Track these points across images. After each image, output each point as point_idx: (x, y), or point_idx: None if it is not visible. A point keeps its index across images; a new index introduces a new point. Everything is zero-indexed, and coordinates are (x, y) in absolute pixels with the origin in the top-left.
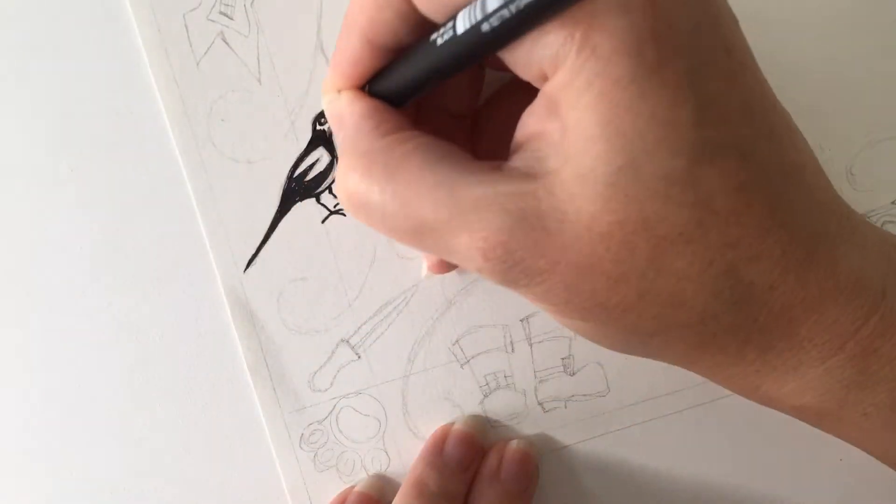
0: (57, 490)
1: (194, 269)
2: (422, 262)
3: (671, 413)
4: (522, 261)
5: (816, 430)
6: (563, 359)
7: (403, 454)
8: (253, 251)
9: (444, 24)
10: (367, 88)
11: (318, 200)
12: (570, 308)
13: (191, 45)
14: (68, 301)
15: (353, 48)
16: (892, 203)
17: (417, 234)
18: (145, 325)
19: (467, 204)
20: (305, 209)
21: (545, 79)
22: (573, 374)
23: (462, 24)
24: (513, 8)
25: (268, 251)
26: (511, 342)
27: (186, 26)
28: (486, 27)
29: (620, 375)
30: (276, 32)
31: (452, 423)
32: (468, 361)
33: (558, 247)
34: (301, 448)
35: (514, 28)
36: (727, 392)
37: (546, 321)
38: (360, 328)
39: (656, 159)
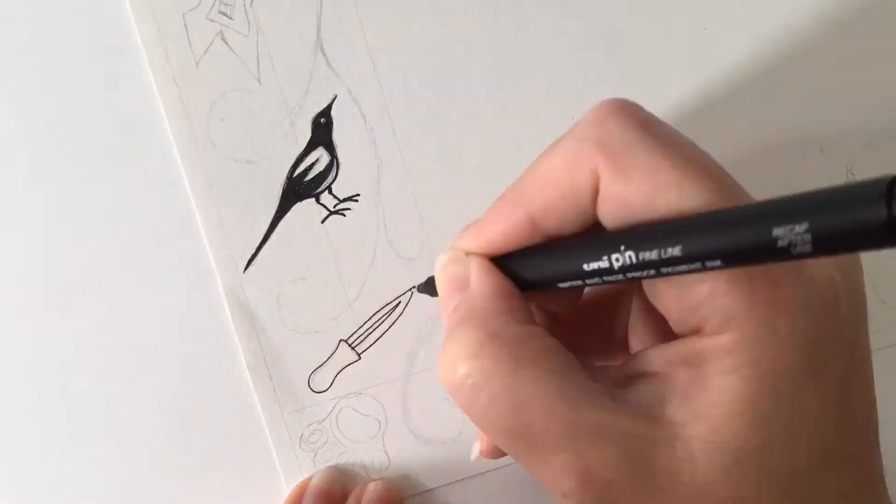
0: (56, 490)
1: (194, 270)
2: (475, 443)
3: None
4: (617, 503)
5: None
6: None
7: (403, 454)
8: (252, 251)
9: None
10: (498, 261)
11: (317, 200)
12: None
13: (190, 45)
14: (68, 301)
15: (514, 220)
16: None
17: (515, 437)
18: (145, 325)
19: (583, 426)
20: (305, 209)
21: (699, 331)
22: None
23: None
24: (705, 259)
25: (267, 251)
26: None
27: (186, 26)
28: (665, 268)
29: None
30: (276, 32)
31: (310, 479)
32: None
33: (661, 503)
34: (301, 448)
35: (693, 269)
36: None
37: None
38: (360, 328)
39: (790, 453)
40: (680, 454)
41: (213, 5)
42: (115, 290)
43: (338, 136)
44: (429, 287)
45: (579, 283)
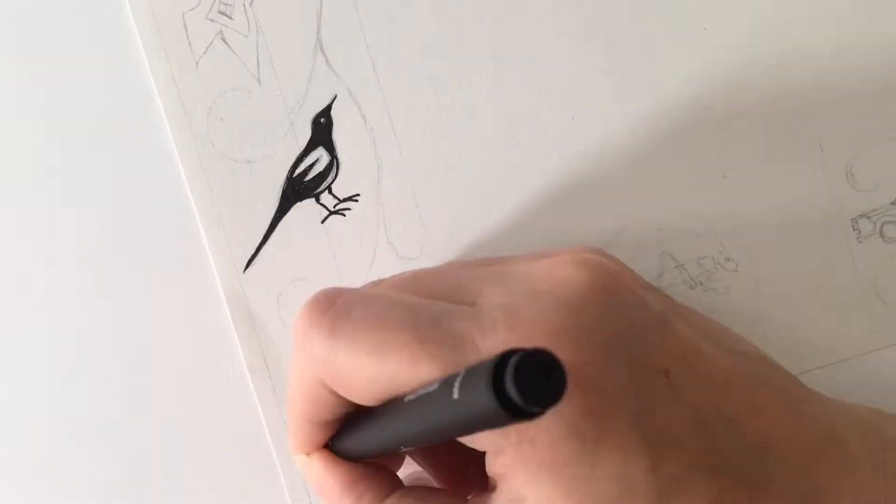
0: (56, 490)
1: (193, 270)
2: None
3: None
4: None
5: None
6: None
7: None
8: (252, 251)
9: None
10: (330, 447)
11: (317, 200)
12: None
13: (190, 45)
14: (67, 301)
15: (300, 427)
16: (892, 203)
17: None
18: (144, 325)
19: None
20: (305, 209)
21: (493, 458)
22: None
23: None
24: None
25: (267, 251)
26: None
27: (185, 26)
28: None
29: None
30: (276, 32)
31: None
32: None
33: None
34: None
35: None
36: None
37: None
38: None
39: None
40: None
41: (213, 5)
42: (114, 290)
43: (338, 136)
44: None
45: (398, 446)
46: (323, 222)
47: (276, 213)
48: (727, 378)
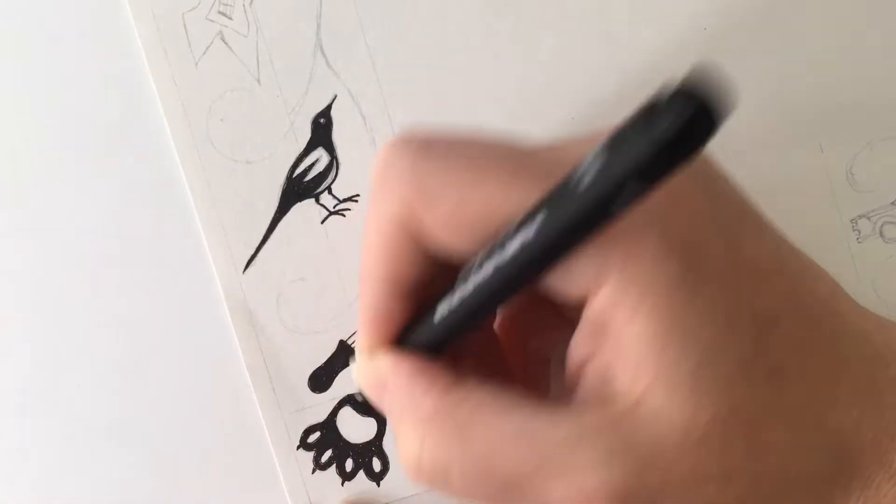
0: (55, 490)
1: (193, 270)
2: None
3: None
4: (628, 494)
5: None
6: None
7: None
8: (252, 252)
9: (471, 263)
10: (401, 344)
11: (317, 201)
12: None
13: (189, 45)
14: (66, 301)
15: (379, 301)
16: (892, 203)
17: (506, 493)
18: (143, 326)
19: (553, 448)
20: (305, 209)
21: (584, 302)
22: None
23: (495, 261)
24: (540, 235)
25: (267, 252)
26: None
27: (185, 26)
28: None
29: None
30: (276, 32)
31: None
32: None
33: (661, 469)
34: (301, 449)
35: (544, 259)
36: None
37: None
38: None
39: (727, 345)
40: (646, 417)
41: (213, 5)
42: (113, 290)
43: (338, 136)
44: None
45: (481, 313)
46: (323, 222)
47: (275, 214)
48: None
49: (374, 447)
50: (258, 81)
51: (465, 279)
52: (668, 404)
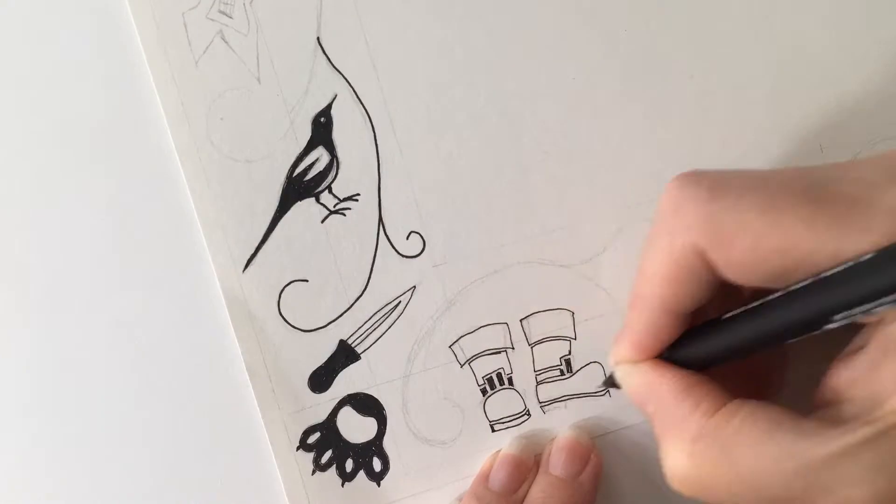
0: (55, 490)
1: (192, 270)
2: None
3: None
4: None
5: None
6: (562, 359)
7: (404, 455)
8: (252, 251)
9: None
10: (664, 356)
11: (317, 200)
12: None
13: (189, 44)
14: (66, 301)
15: (653, 320)
16: None
17: None
18: (143, 325)
19: (819, 468)
20: (305, 209)
21: (867, 325)
22: (573, 374)
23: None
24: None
25: (267, 251)
26: (511, 342)
27: (185, 25)
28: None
29: None
30: (276, 31)
31: (499, 450)
32: (468, 361)
33: None
34: (300, 450)
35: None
36: None
37: (545, 321)
38: (359, 328)
39: None
40: None
41: (213, 4)
42: (113, 290)
43: (338, 135)
44: (610, 381)
45: (770, 342)
46: (323, 222)
47: (275, 213)
48: None
49: (375, 447)
50: (258, 80)
51: (759, 311)
52: None
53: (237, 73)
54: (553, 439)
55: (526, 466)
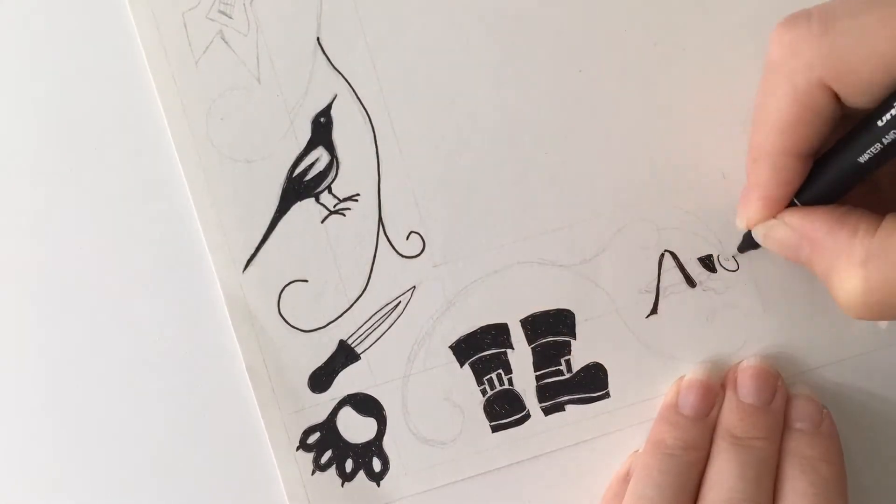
0: (55, 490)
1: (192, 270)
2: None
3: None
4: None
5: None
6: (563, 359)
7: (404, 454)
8: (252, 251)
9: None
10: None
11: (317, 200)
12: None
13: (190, 44)
14: (66, 301)
15: (782, 169)
16: None
17: None
18: (143, 325)
19: None
20: (305, 209)
21: None
22: (573, 374)
23: None
24: None
25: (267, 251)
26: (511, 342)
27: (185, 25)
28: None
29: (622, 376)
30: (276, 31)
31: (682, 377)
32: (468, 362)
33: None
34: (300, 450)
35: None
36: None
37: (545, 321)
38: (360, 328)
39: None
40: None
41: (213, 4)
42: (112, 290)
43: (338, 135)
44: (746, 244)
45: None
46: (323, 222)
47: (275, 213)
48: None
49: (375, 447)
50: (258, 80)
51: (876, 131)
52: None
53: (237, 73)
54: (737, 364)
55: (714, 391)
